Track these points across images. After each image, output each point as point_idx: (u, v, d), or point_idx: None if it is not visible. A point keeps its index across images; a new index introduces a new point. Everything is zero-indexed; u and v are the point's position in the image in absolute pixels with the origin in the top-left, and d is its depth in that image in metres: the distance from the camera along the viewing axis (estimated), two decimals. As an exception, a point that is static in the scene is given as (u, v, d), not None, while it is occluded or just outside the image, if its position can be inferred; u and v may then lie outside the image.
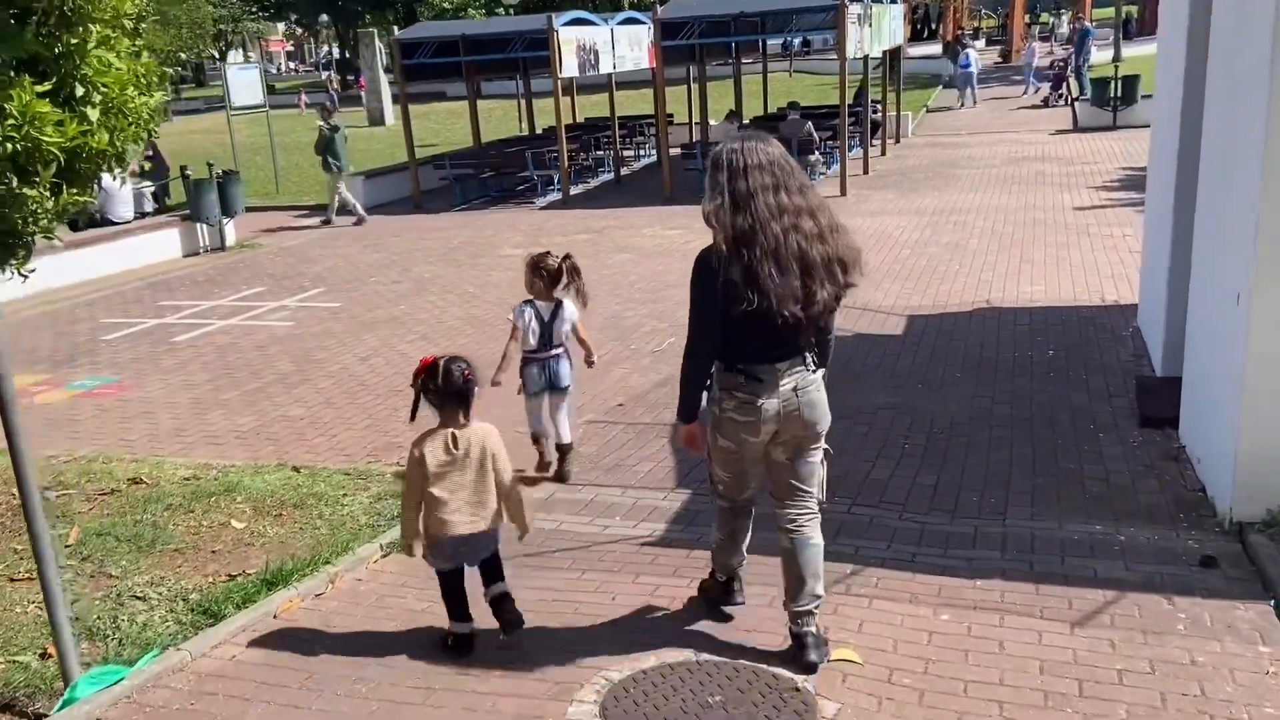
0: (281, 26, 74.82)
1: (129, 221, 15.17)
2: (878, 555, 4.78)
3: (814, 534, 3.73)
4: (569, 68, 16.56)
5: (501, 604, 4.01)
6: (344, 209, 16.52)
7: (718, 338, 3.50)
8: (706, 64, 21.07)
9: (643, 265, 12.09)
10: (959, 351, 8.01)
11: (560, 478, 5.88)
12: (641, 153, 22.33)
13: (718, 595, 4.18)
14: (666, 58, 17.14)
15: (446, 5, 39.56)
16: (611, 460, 6.26)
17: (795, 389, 3.56)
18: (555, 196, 17.43)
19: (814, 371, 3.62)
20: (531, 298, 5.62)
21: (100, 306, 12.04)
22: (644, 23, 18.62)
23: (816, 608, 3.76)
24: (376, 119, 34.19)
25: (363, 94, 37.69)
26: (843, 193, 15.68)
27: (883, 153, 20.06)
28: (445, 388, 3.82)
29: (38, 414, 8.11)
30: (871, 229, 13.14)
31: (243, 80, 19.84)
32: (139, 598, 4.63)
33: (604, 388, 7.60)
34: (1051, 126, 22.69)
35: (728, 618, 4.16)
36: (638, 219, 15.03)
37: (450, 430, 3.84)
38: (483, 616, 4.11)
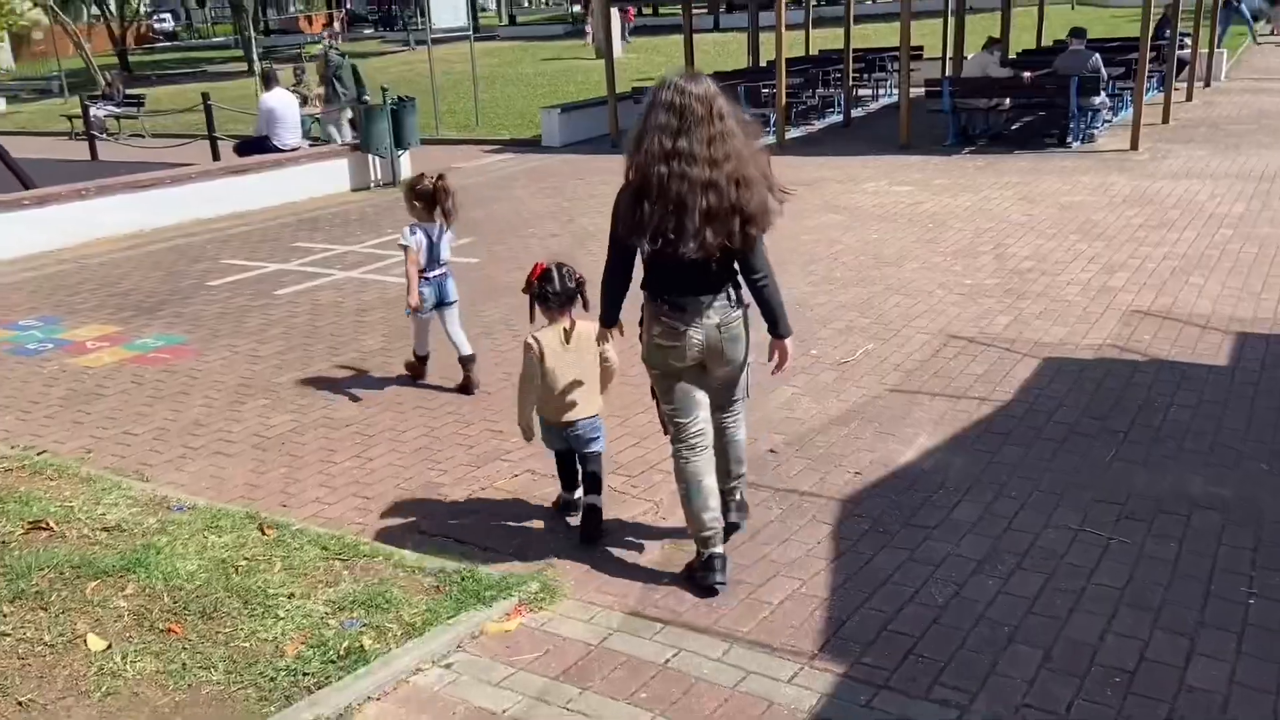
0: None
1: (296, 149, 13.84)
2: None
3: (740, 432, 3.97)
4: (796, -15, 13.82)
5: (590, 516, 4.16)
6: (328, 139, 15.00)
7: (627, 265, 3.67)
8: (969, -12, 17.57)
9: (854, 232, 9.35)
10: (1330, 405, 5.02)
11: (467, 389, 6.01)
12: (881, 91, 19.16)
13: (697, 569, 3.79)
14: (917, -25, 14.01)
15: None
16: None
17: (719, 325, 3.63)
18: (769, 140, 14.77)
19: (736, 309, 3.67)
20: (415, 221, 5.85)
21: (232, 244, 10.62)
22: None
23: (740, 479, 4.04)
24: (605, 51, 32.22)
25: (629, 24, 35.62)
26: (1133, 145, 12.21)
27: (1188, 98, 16.08)
28: (563, 290, 4.08)
29: (66, 383, 6.57)
30: (1173, 196, 9.83)
31: (445, 1, 18.28)
32: None
33: (756, 417, 5.00)
34: None
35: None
36: (861, 170, 12.22)
37: (563, 325, 4.10)
38: None
